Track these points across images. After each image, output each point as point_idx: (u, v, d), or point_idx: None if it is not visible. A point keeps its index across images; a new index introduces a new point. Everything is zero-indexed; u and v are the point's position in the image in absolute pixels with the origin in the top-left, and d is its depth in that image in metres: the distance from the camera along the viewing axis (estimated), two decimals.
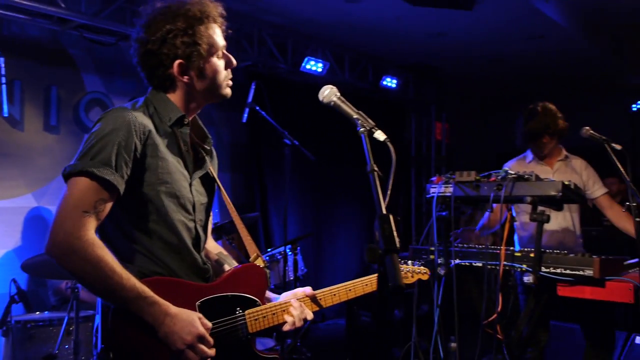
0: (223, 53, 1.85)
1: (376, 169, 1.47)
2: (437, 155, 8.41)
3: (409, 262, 2.41)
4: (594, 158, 3.67)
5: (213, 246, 2.07)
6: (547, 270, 2.87)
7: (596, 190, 3.67)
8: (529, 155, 3.76)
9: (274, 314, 1.87)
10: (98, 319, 1.69)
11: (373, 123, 1.62)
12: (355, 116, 1.66)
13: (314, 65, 6.20)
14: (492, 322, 2.92)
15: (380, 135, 1.60)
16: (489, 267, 3.01)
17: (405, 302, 5.17)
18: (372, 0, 5.29)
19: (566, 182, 2.85)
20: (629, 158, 3.13)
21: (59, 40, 4.91)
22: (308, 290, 2.00)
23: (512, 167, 3.69)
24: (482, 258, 3.06)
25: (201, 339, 1.65)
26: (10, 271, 4.18)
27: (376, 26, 6.06)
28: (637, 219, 2.94)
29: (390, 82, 7.21)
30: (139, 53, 1.79)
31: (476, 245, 3.22)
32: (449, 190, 3.08)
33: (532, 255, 2.89)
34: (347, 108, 1.70)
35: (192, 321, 1.65)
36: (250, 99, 4.44)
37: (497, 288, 2.92)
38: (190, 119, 1.86)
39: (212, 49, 1.80)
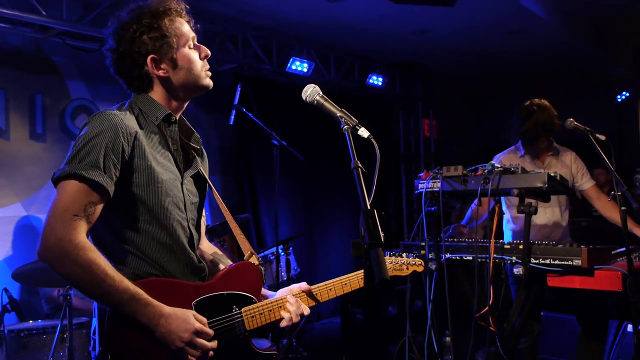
0: (194, 44, 1.86)
1: (360, 165, 1.49)
2: (426, 152, 8.44)
3: (403, 254, 2.43)
4: (581, 149, 3.70)
5: (207, 246, 2.08)
6: (537, 261, 2.89)
7: (584, 182, 3.73)
8: (521, 149, 3.76)
9: (270, 310, 1.88)
10: (95, 322, 1.70)
11: (356, 120, 1.63)
12: (338, 114, 1.67)
13: (299, 66, 6.21)
14: (484, 315, 2.95)
15: (364, 132, 1.61)
16: (479, 260, 3.03)
17: (398, 298, 5.19)
18: None
19: (552, 174, 2.88)
20: (614, 148, 3.16)
21: (42, 48, 4.89)
22: (304, 285, 2.00)
23: (503, 159, 3.69)
24: (472, 251, 3.08)
25: (198, 333, 1.66)
26: (2, 281, 4.16)
27: (360, 25, 6.08)
28: (623, 208, 2.98)
29: (376, 81, 7.22)
30: (113, 60, 1.81)
31: (466, 239, 3.25)
32: (436, 185, 3.10)
33: (521, 247, 2.92)
34: (330, 106, 1.71)
35: (186, 318, 1.66)
36: (236, 101, 4.44)
37: (488, 281, 2.94)
38: (177, 117, 1.87)
39: (181, 39, 1.81)
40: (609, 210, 3.63)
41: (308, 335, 5.86)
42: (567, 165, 3.75)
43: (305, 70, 6.26)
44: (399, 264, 2.38)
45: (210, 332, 1.70)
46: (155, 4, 1.80)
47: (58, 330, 3.30)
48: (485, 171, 3.01)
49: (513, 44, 6.84)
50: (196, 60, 1.84)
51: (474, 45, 6.92)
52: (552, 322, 4.50)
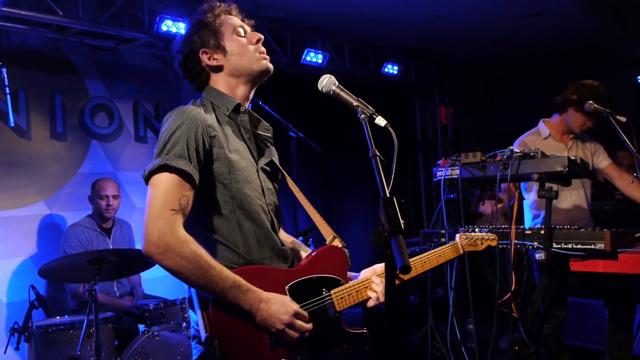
0: (245, 31, 1.96)
1: (378, 154, 1.49)
2: (444, 139, 8.39)
3: (476, 229, 2.49)
4: (604, 132, 3.64)
5: (285, 236, 2.17)
6: (559, 246, 2.87)
7: (601, 160, 3.71)
8: (545, 130, 3.72)
9: (357, 291, 1.95)
10: (196, 313, 1.75)
11: (373, 109, 1.64)
12: (355, 103, 1.68)
13: (314, 57, 6.20)
14: (507, 301, 2.93)
15: (380, 120, 1.62)
16: (500, 246, 3.02)
17: (420, 287, 5.19)
18: None
19: (572, 157, 2.85)
20: (635, 130, 3.12)
21: (60, 48, 4.94)
22: None
23: (527, 141, 3.64)
24: None
25: (297, 315, 1.75)
26: (29, 278, 4.24)
27: (374, 14, 6.04)
28: None
29: (391, 69, 7.18)
30: (180, 69, 1.98)
31: (486, 226, 3.23)
32: (455, 172, 3.08)
33: (542, 232, 2.89)
34: (347, 96, 1.72)
35: (285, 302, 1.75)
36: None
37: (510, 267, 2.93)
38: (245, 106, 1.96)
39: (227, 28, 1.93)
40: (632, 189, 3.58)
41: None
42: (586, 146, 3.73)
43: (320, 61, 6.25)
44: (473, 239, 2.43)
45: (307, 314, 1.78)
46: (203, 8, 1.95)
47: (85, 326, 3.35)
48: (504, 157, 2.98)
49: (529, 27, 6.74)
50: (246, 44, 1.94)
51: (490, 30, 6.83)
52: (577, 307, 4.46)
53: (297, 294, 1.83)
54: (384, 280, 1.96)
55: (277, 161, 2.06)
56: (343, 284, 1.95)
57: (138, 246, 4.67)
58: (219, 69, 1.93)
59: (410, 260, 2.03)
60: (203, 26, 1.92)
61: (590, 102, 3.32)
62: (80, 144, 5.00)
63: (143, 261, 3.60)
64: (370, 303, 1.95)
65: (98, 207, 4.42)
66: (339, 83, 1.78)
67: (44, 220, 4.74)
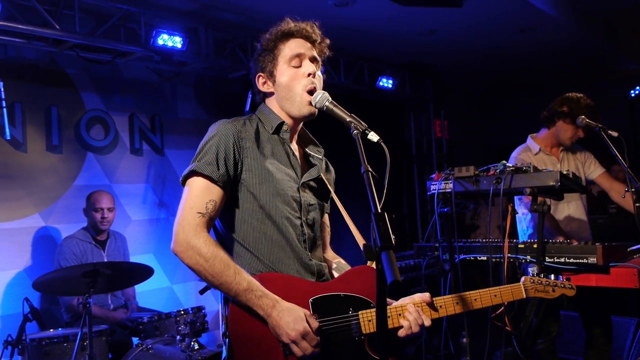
0: (302, 61, 1.97)
1: (370, 169, 1.51)
2: (438, 152, 8.42)
3: (551, 276, 2.27)
4: (598, 146, 3.65)
5: (332, 255, 2.19)
6: (551, 260, 2.89)
7: (593, 170, 3.74)
8: (535, 146, 3.74)
9: (388, 316, 1.82)
10: (221, 308, 1.82)
11: (365, 125, 1.66)
12: (348, 119, 1.70)
13: None
14: (500, 315, 2.94)
15: (373, 136, 1.64)
16: (493, 260, 3.03)
17: None
18: (362, 2, 5.32)
19: (564, 172, 2.88)
20: (627, 144, 3.15)
21: (57, 61, 4.96)
22: (426, 296, 1.93)
23: (522, 157, 3.66)
24: (486, 252, 3.08)
25: (305, 335, 1.70)
26: (23, 291, 4.23)
27: (368, 28, 6.10)
28: (637, 204, 2.97)
29: (386, 83, 7.23)
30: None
31: (480, 240, 3.25)
32: (449, 186, 3.11)
33: (535, 246, 2.91)
34: (340, 112, 1.75)
35: (297, 318, 1.71)
36: (247, 107, 4.47)
37: (503, 281, 2.94)
38: (292, 126, 2.00)
39: (283, 56, 1.97)
40: (625, 201, 3.59)
41: None
42: (577, 157, 3.76)
43: None
44: (544, 284, 2.20)
45: (316, 338, 1.72)
46: (275, 29, 2.05)
47: (78, 338, 3.33)
48: (497, 171, 3.01)
49: (522, 41, 6.81)
50: (294, 77, 1.95)
51: (483, 44, 6.90)
52: (570, 321, 4.46)
53: (320, 308, 1.79)
54: (420, 310, 1.86)
55: (327, 180, 2.09)
56: (374, 307, 1.83)
57: (133, 259, 4.66)
58: (270, 95, 2.01)
59: (440, 298, 1.93)
60: (263, 49, 2.01)
61: (582, 117, 3.35)
62: (75, 156, 5.00)
63: (137, 274, 3.60)
64: (402, 332, 1.82)
65: (93, 219, 4.42)
66: (333, 97, 1.81)
67: (38, 233, 4.73)
